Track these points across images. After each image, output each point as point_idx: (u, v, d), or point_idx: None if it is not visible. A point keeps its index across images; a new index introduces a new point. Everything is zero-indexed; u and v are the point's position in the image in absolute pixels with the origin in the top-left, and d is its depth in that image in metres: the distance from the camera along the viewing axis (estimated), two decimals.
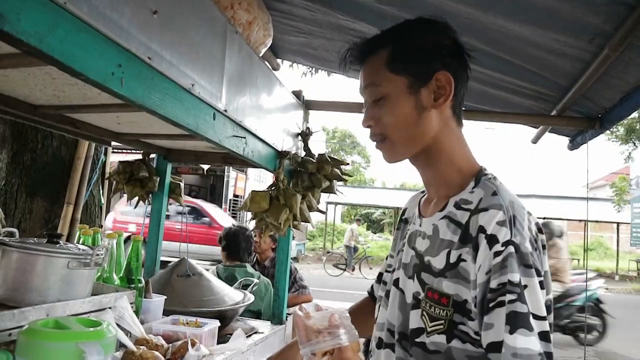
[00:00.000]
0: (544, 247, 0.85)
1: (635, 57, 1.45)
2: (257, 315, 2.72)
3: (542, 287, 0.80)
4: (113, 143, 2.30)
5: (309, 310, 0.87)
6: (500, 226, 0.81)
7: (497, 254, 0.80)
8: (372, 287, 1.29)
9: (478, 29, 1.63)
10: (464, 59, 0.97)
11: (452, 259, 0.86)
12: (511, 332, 0.76)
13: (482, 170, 0.96)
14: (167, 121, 1.11)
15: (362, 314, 1.23)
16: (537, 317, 0.77)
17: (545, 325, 0.78)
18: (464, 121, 1.01)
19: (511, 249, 0.80)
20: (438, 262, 0.89)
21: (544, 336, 0.77)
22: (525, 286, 0.78)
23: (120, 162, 2.18)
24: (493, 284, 0.79)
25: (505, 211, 0.83)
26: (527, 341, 0.75)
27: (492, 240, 0.81)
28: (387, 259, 1.20)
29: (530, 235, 0.83)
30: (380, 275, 1.22)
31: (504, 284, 0.78)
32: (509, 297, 0.77)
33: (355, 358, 0.84)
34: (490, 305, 0.79)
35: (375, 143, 0.99)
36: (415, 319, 0.90)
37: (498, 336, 0.77)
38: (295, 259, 14.75)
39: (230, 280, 2.44)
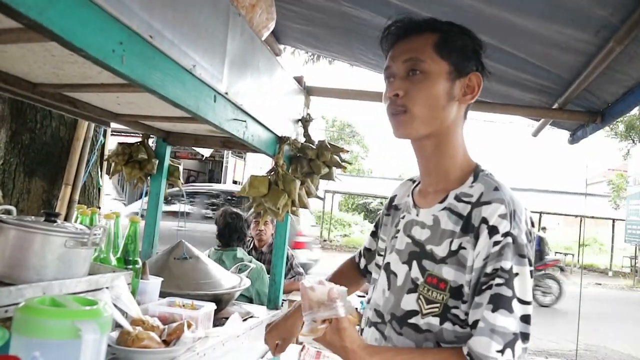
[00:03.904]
0: (534, 239, 0.95)
1: None
2: (249, 300, 2.73)
3: (531, 276, 0.90)
4: (113, 125, 2.29)
5: (313, 284, 0.96)
6: (502, 219, 0.90)
7: (496, 243, 0.89)
8: (358, 256, 1.36)
9: (481, 20, 1.61)
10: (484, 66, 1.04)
11: (454, 247, 0.94)
12: (493, 310, 0.86)
13: (479, 166, 1.04)
14: (167, 102, 1.10)
15: (343, 278, 1.33)
16: (523, 302, 0.88)
17: (529, 309, 0.88)
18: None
19: (509, 239, 0.89)
20: (441, 251, 0.96)
21: (525, 319, 0.87)
22: (517, 274, 0.88)
23: (119, 143, 2.17)
24: (488, 269, 0.89)
25: (507, 205, 0.92)
26: (506, 321, 0.86)
27: (493, 230, 0.90)
28: (370, 235, 1.30)
29: (525, 229, 0.92)
30: (367, 250, 1.31)
31: (496, 270, 0.88)
32: (497, 280, 0.88)
33: (351, 328, 0.93)
34: (483, 287, 0.89)
35: (391, 114, 1.01)
36: (410, 302, 0.98)
37: (482, 314, 0.88)
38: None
39: (219, 264, 2.44)
